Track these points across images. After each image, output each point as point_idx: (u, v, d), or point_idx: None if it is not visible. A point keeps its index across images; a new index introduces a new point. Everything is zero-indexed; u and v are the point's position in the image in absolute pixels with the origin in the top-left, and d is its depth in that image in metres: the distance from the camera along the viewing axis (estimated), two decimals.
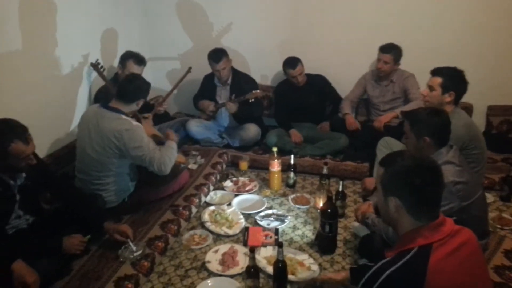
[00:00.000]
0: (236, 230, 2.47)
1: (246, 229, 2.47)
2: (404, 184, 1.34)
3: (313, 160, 3.28)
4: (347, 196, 2.72)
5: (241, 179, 3.12)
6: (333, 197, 2.48)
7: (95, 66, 3.03)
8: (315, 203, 2.70)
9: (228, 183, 3.05)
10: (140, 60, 3.16)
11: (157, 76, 4.26)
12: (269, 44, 3.92)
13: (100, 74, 3.04)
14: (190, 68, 3.63)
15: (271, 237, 2.40)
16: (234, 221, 2.55)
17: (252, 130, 3.51)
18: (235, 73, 3.63)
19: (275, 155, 2.90)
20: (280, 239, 2.40)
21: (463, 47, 3.50)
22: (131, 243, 2.13)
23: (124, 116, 2.40)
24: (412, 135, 2.02)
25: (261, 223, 2.55)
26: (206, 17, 3.99)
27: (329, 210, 2.21)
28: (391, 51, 3.31)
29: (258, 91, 3.32)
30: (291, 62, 3.47)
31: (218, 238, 2.44)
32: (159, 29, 4.11)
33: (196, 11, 3.98)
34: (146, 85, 2.53)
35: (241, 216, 2.59)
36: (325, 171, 2.77)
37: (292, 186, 3.03)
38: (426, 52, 3.52)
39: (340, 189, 2.55)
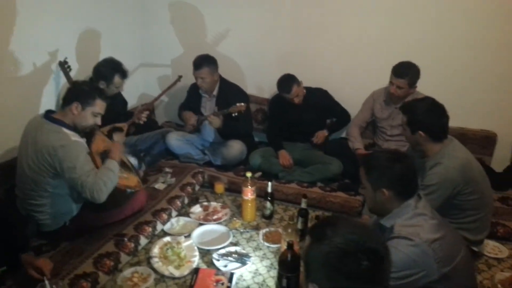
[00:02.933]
0: (184, 271, 2.08)
1: (195, 271, 2.08)
2: (328, 275, 0.92)
3: (299, 187, 2.84)
4: None
5: (213, 204, 2.74)
6: (297, 239, 2.06)
7: (62, 64, 2.75)
8: (281, 247, 2.26)
9: (196, 209, 2.67)
10: (125, 74, 2.91)
11: (148, 82, 3.99)
12: (268, 55, 3.56)
13: (66, 74, 2.75)
14: (180, 77, 3.32)
15: (223, 283, 2.00)
16: (186, 258, 2.17)
17: (235, 148, 3.12)
18: (224, 83, 3.26)
19: (249, 180, 2.50)
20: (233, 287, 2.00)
21: (486, 66, 2.97)
22: (47, 283, 1.79)
23: (65, 130, 2.08)
24: (368, 186, 1.58)
25: (217, 263, 2.15)
26: (203, 22, 3.66)
27: (288, 260, 1.79)
28: (406, 75, 2.78)
29: (243, 104, 2.92)
30: (285, 86, 3.04)
31: (162, 279, 2.06)
32: (152, 33, 3.82)
33: (192, 14, 3.65)
34: (86, 86, 2.16)
35: (197, 253, 2.21)
36: (303, 205, 2.35)
37: (268, 218, 2.61)
38: (442, 73, 3.04)
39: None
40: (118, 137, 2.84)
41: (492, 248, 2.32)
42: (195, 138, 3.33)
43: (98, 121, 2.21)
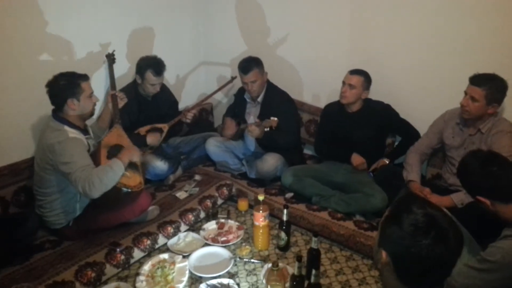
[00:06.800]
0: None
1: None
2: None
3: (328, 219, 2.41)
4: None
5: (230, 222, 2.50)
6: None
7: (109, 56, 2.78)
8: None
9: (210, 225, 2.48)
10: (159, 71, 2.79)
11: (209, 82, 3.88)
12: (328, 62, 3.13)
13: (110, 66, 2.75)
14: (233, 78, 3.15)
15: None
16: (172, 283, 1.99)
17: (269, 162, 2.82)
18: (271, 89, 2.98)
19: (261, 204, 2.21)
20: None
21: None
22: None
23: (66, 127, 2.08)
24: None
25: None
26: (265, 24, 3.39)
27: None
28: (485, 84, 2.16)
29: (275, 119, 2.59)
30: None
31: None
32: (214, 32, 3.70)
33: (255, 15, 3.40)
34: (63, 80, 2.07)
35: (185, 278, 2.01)
36: (313, 244, 1.97)
37: (283, 249, 2.28)
38: None
39: (313, 280, 1.74)
40: (151, 138, 2.80)
41: None
42: (236, 146, 3.12)
43: (95, 99, 2.21)
